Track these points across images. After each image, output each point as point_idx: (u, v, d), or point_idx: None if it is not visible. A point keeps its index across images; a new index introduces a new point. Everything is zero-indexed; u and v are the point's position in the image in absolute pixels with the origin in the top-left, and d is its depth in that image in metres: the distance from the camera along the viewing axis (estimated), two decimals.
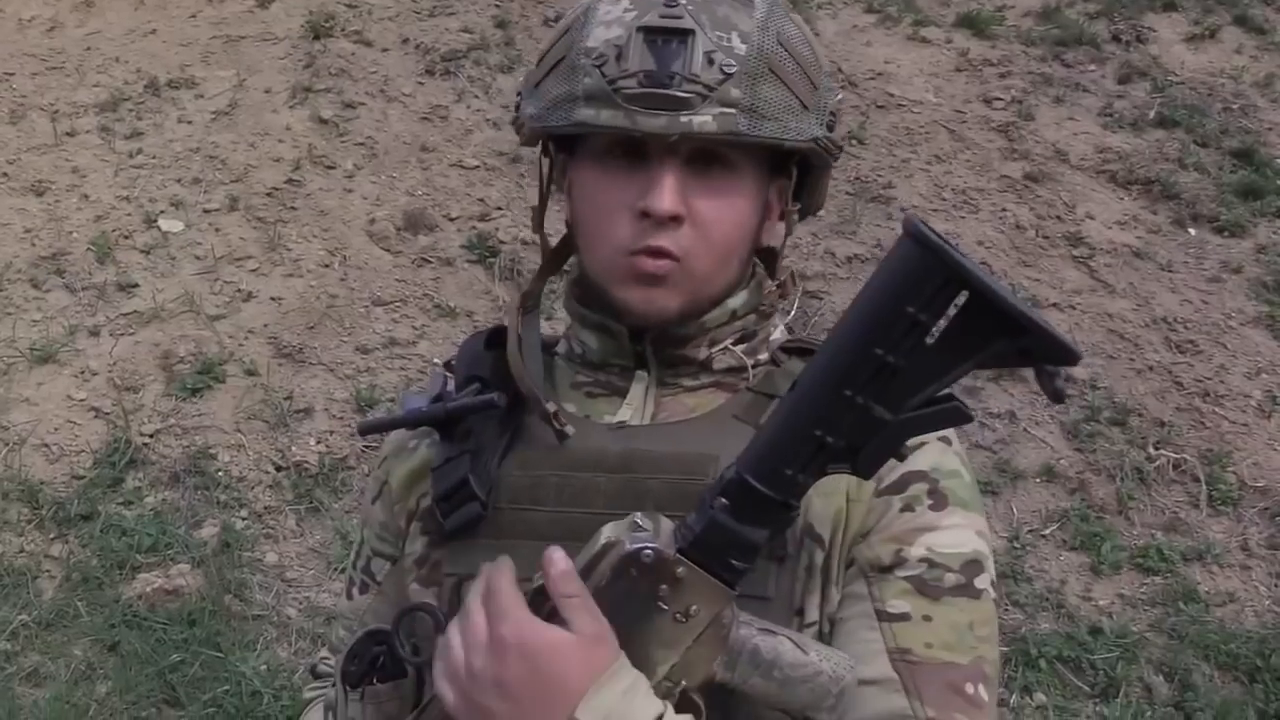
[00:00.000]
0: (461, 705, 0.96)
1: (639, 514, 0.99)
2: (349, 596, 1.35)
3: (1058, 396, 0.89)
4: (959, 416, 0.92)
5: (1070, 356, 0.86)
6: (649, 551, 0.96)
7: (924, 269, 0.86)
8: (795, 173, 1.20)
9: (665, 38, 1.08)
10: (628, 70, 1.08)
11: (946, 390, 0.90)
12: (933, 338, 0.87)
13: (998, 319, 0.85)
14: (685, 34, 1.08)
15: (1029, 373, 0.92)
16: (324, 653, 1.39)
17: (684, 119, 1.07)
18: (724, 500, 0.96)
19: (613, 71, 1.09)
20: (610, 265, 1.15)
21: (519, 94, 1.22)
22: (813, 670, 0.99)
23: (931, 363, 0.88)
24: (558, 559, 0.96)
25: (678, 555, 0.96)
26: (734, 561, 0.96)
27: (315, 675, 1.38)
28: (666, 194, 1.10)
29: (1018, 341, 0.86)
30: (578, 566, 0.97)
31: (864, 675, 1.05)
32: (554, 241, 1.28)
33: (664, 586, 0.96)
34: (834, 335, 0.92)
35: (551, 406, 1.18)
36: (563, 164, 1.24)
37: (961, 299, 0.85)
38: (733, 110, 1.08)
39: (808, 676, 0.99)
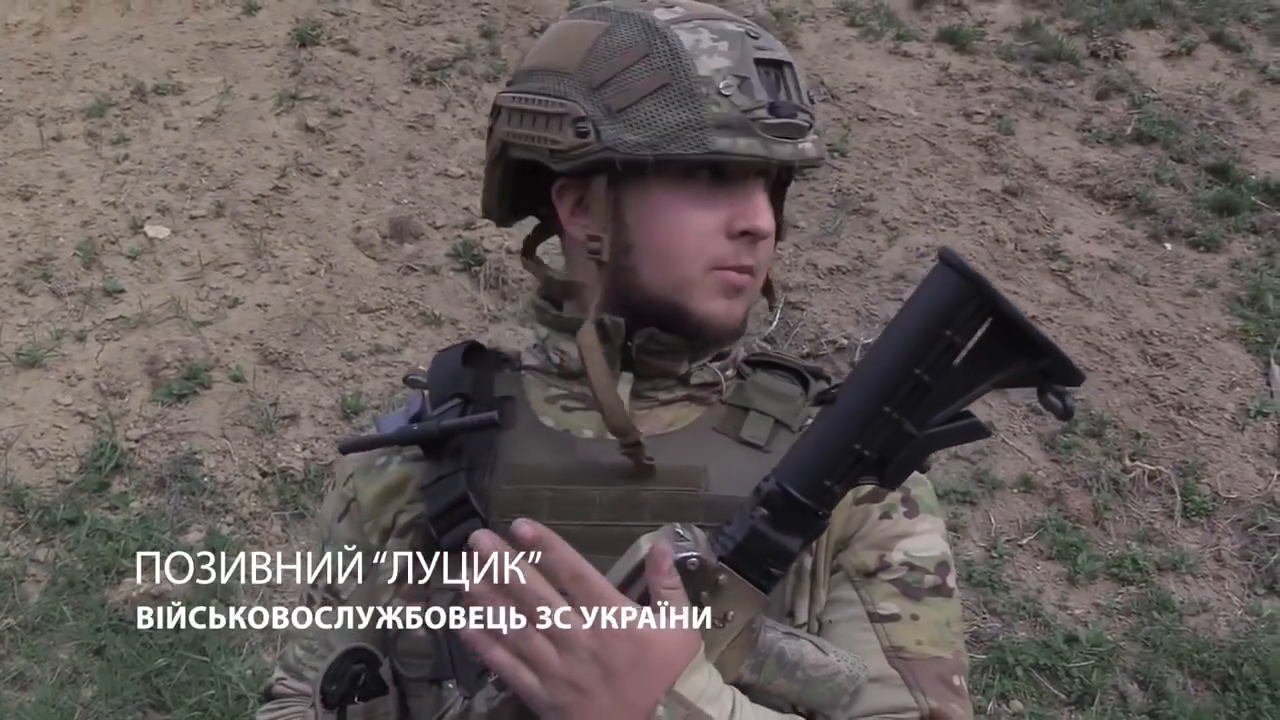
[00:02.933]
0: (554, 691, 0.97)
1: (678, 524, 1.04)
2: (307, 616, 1.33)
3: (1068, 413, 0.97)
4: (978, 431, 1.00)
5: (1078, 377, 0.96)
6: (695, 559, 1.00)
7: (962, 295, 0.93)
8: (790, 187, 1.28)
9: (776, 70, 1.15)
10: (760, 101, 1.12)
11: (965, 408, 0.99)
12: (959, 358, 0.95)
13: (1022, 342, 0.94)
14: (786, 65, 1.15)
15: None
16: (279, 673, 1.35)
17: (801, 146, 1.15)
18: (764, 510, 1.01)
19: (744, 102, 1.12)
20: (697, 281, 1.17)
21: (583, 118, 1.15)
22: (832, 670, 1.06)
23: (958, 382, 0.96)
24: (667, 555, 0.99)
25: (720, 563, 1.02)
26: (771, 569, 1.02)
27: (269, 697, 1.35)
28: (764, 215, 1.17)
29: (1037, 363, 0.95)
30: (620, 574, 1.01)
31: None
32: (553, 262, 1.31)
33: (705, 593, 1.01)
34: (878, 354, 0.99)
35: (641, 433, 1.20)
36: (603, 188, 1.18)
37: (987, 324, 0.94)
38: (818, 135, 1.17)
39: (828, 676, 1.05)
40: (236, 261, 5.16)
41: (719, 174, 1.16)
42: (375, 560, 1.26)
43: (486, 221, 5.78)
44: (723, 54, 1.13)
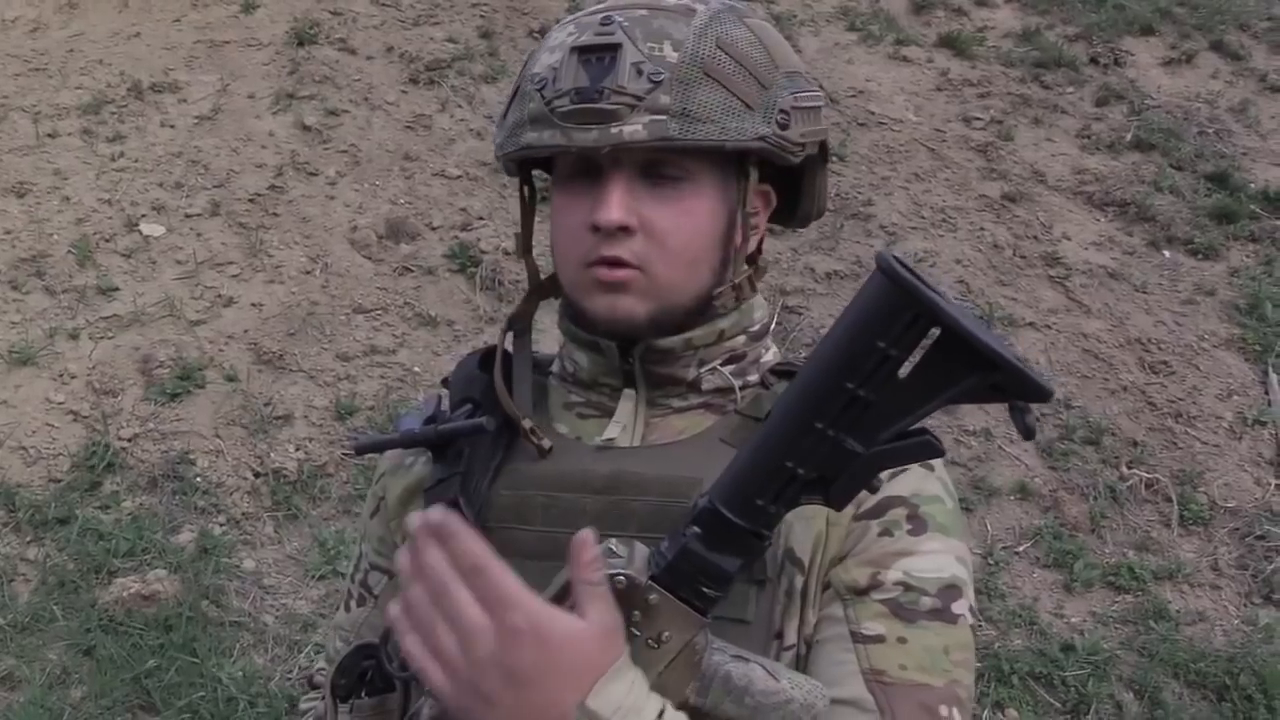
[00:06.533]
0: (459, 692, 0.91)
1: (613, 540, 1.00)
2: (346, 609, 1.36)
3: (1029, 433, 0.90)
4: (930, 450, 0.92)
5: (1042, 394, 0.87)
6: (621, 578, 0.96)
7: (895, 304, 0.86)
8: (754, 174, 1.20)
9: (597, 54, 1.11)
10: (561, 89, 1.11)
11: (919, 424, 0.91)
12: (906, 372, 0.88)
13: (970, 355, 0.86)
14: (614, 48, 1.11)
15: None
16: (321, 664, 1.40)
17: (614, 130, 1.09)
18: (696, 529, 0.96)
19: (550, 93, 1.12)
20: (575, 280, 1.18)
21: (496, 125, 1.26)
22: (784, 698, 0.99)
23: (904, 397, 0.89)
24: (589, 544, 0.93)
25: (649, 582, 0.97)
26: (705, 589, 0.97)
27: (312, 686, 1.39)
28: (612, 206, 1.12)
29: (990, 378, 0.86)
30: (552, 591, 0.97)
31: (838, 695, 1.06)
32: (545, 266, 1.30)
33: (636, 613, 0.96)
34: (807, 368, 0.93)
35: (528, 424, 1.19)
36: (525, 192, 1.27)
37: (935, 334, 0.86)
38: (663, 116, 1.10)
39: (779, 704, 0.99)
40: (231, 260, 5.14)
41: (587, 172, 1.15)
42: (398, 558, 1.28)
43: (483, 222, 5.77)
44: (559, 47, 1.14)
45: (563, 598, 0.95)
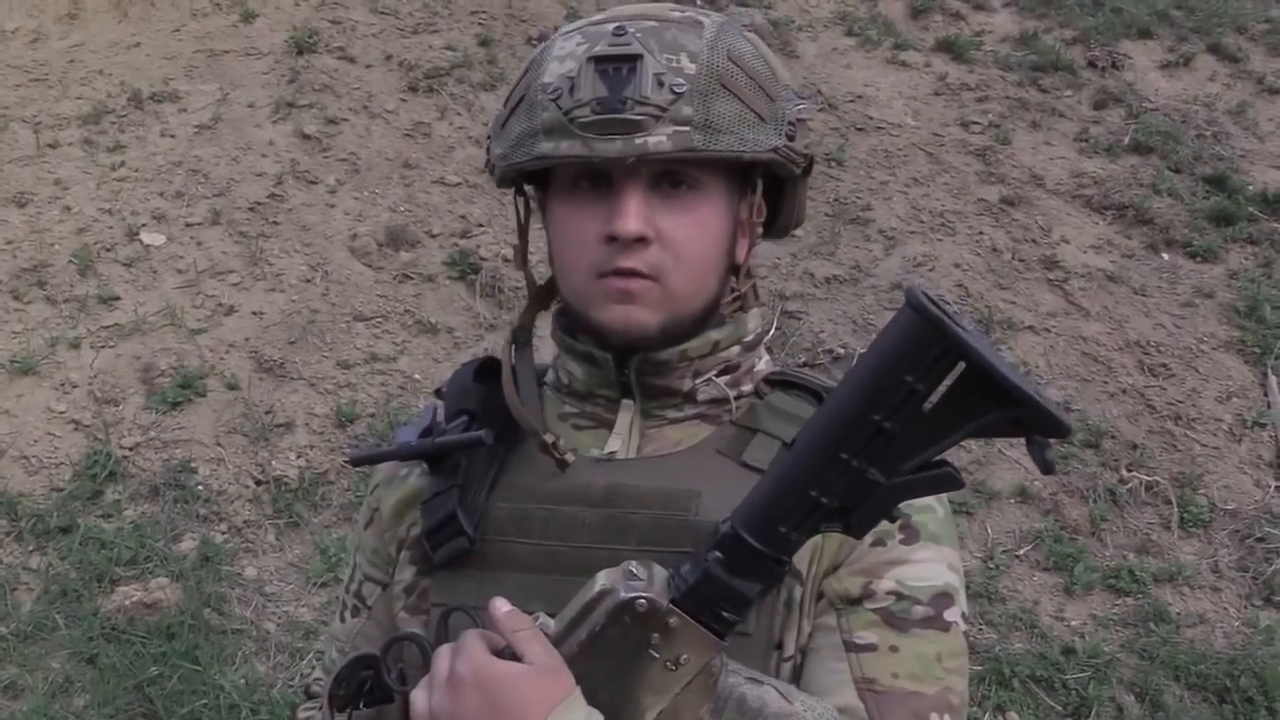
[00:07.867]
0: None
1: (634, 562, 1.00)
2: (341, 619, 1.36)
3: (1048, 468, 0.91)
4: (951, 482, 0.94)
5: (1061, 430, 0.89)
6: (643, 601, 0.97)
7: (924, 340, 0.87)
8: (760, 186, 1.21)
9: (615, 65, 1.10)
10: (581, 100, 1.10)
11: (940, 456, 0.93)
12: (930, 405, 0.89)
13: (994, 391, 0.87)
14: (634, 59, 1.10)
15: None
16: (318, 673, 1.40)
17: (639, 141, 1.09)
18: (718, 554, 0.97)
19: (567, 103, 1.11)
20: (584, 289, 1.17)
21: (488, 137, 1.24)
22: (796, 719, 1.01)
23: (927, 429, 0.90)
24: (499, 603, 1.00)
25: (670, 606, 0.98)
26: (725, 613, 0.98)
27: (309, 695, 1.39)
28: (630, 217, 1.11)
29: (1012, 413, 0.88)
30: (572, 611, 0.99)
31: (832, 704, 1.07)
32: (540, 274, 1.30)
33: (656, 635, 0.97)
34: (834, 398, 0.94)
35: (550, 437, 1.19)
36: (540, 201, 1.26)
37: (959, 368, 0.87)
38: (686, 128, 1.10)
39: None
40: (232, 269, 5.15)
41: (596, 181, 1.15)
42: (393, 570, 1.29)
43: (483, 229, 5.78)
44: (571, 57, 1.13)
45: (578, 623, 0.99)
